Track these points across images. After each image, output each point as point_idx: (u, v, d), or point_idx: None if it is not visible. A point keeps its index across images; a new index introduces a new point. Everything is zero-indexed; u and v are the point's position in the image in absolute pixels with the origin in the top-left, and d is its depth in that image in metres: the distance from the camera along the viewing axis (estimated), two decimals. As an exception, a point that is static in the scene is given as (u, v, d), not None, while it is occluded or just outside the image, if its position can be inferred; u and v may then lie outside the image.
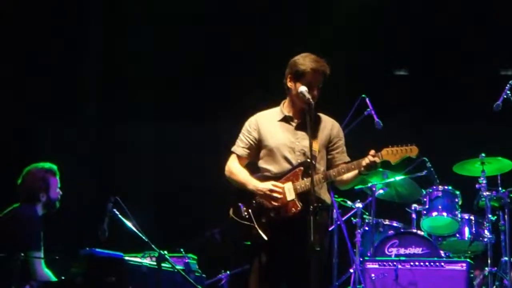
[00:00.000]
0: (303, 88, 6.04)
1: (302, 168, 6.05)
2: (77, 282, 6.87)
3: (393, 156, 5.97)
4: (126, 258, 7.21)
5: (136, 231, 7.17)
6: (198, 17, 10.60)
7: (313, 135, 5.99)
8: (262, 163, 6.26)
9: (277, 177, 6.11)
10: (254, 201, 6.11)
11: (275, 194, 6.02)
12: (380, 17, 10.39)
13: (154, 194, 10.88)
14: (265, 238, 6.01)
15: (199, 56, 10.72)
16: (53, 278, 7.25)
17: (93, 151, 10.98)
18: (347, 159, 6.24)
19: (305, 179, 6.01)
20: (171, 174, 10.93)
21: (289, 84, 6.20)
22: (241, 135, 6.36)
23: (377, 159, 5.92)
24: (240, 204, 6.15)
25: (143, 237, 7.16)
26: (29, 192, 7.43)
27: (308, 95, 5.99)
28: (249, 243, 6.13)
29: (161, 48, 10.69)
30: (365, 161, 5.93)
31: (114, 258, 7.08)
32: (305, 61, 6.14)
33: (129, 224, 7.19)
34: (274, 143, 6.19)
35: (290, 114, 6.25)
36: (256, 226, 6.05)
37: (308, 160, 5.94)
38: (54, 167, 7.59)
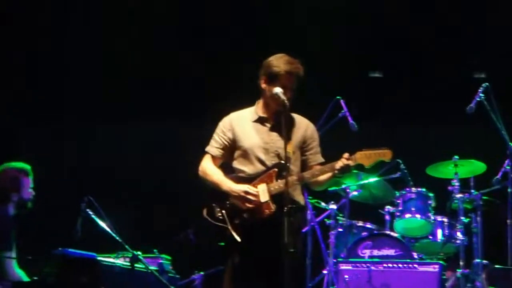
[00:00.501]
0: (278, 90, 6.03)
1: (276, 169, 6.04)
2: (50, 282, 6.85)
3: (367, 160, 5.98)
4: (99, 258, 7.19)
5: (110, 231, 7.15)
6: (176, 16, 10.60)
7: (287, 136, 5.99)
8: (236, 164, 6.25)
9: (251, 178, 6.10)
10: (228, 202, 6.10)
11: (249, 196, 6.01)
12: (355, 19, 10.41)
13: (129, 194, 10.85)
14: (238, 239, 6.01)
15: (177, 56, 10.71)
16: (25, 278, 7.23)
17: (67, 151, 10.93)
18: (322, 160, 6.25)
19: (279, 180, 6.01)
20: (145, 175, 10.91)
21: (263, 85, 6.19)
22: (215, 135, 6.34)
23: (351, 162, 5.93)
24: (214, 205, 6.15)
25: (117, 238, 7.14)
26: (1, 192, 7.38)
27: (283, 97, 5.98)
28: (223, 244, 6.13)
29: (140, 48, 10.65)
30: (339, 164, 5.94)
31: (87, 259, 7.06)
32: (279, 62, 6.12)
33: (102, 224, 7.17)
34: (248, 144, 6.19)
35: (265, 115, 6.25)
36: (230, 227, 6.05)
37: (282, 162, 5.95)
38: (28, 167, 7.56)
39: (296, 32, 10.27)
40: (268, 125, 6.22)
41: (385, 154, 6.00)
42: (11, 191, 7.40)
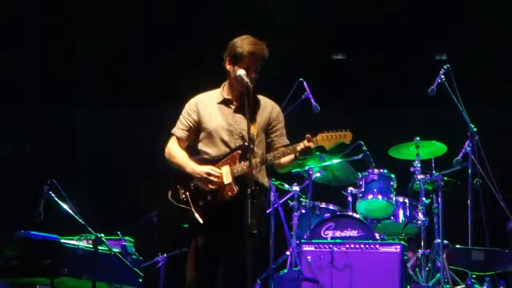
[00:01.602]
0: (241, 72, 6.03)
1: (239, 151, 6.05)
2: (12, 264, 6.81)
3: (328, 142, 5.99)
4: (62, 240, 7.16)
5: (73, 213, 7.13)
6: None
7: (251, 118, 5.99)
8: (201, 146, 6.25)
9: (215, 160, 6.11)
10: (192, 184, 6.11)
11: (212, 178, 6.02)
12: (320, 0, 10.43)
13: (91, 177, 10.80)
14: (201, 221, 6.02)
15: (134, 38, 10.67)
16: (-13, 261, 7.18)
17: (29, 134, 10.85)
18: (287, 142, 6.26)
19: (242, 162, 6.02)
20: (108, 157, 10.86)
21: (228, 67, 6.19)
22: (181, 117, 6.34)
23: (311, 145, 5.95)
24: (178, 186, 6.15)
25: (80, 220, 7.12)
26: None
27: (246, 79, 5.99)
28: (186, 225, 6.14)
29: (95, 29, 10.59)
30: (300, 146, 5.96)
31: (50, 241, 7.04)
32: (243, 44, 6.12)
33: (65, 206, 7.14)
34: (213, 126, 6.19)
35: (229, 97, 6.24)
36: (193, 209, 6.05)
37: (246, 144, 5.97)
38: None
39: (259, 12, 10.26)
40: (233, 107, 6.22)
41: (346, 136, 6.02)
42: None
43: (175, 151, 6.25)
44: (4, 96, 10.67)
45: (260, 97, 6.30)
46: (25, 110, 10.95)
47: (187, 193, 6.11)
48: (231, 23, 9.73)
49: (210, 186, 6.05)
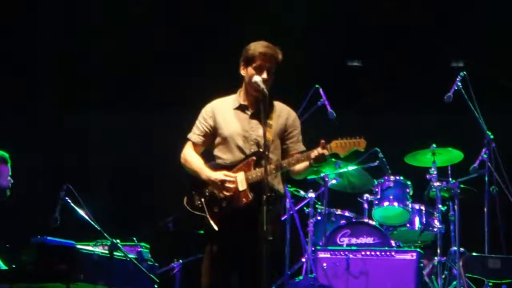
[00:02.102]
0: (257, 78, 6.03)
1: (254, 158, 6.04)
2: (28, 270, 6.82)
3: (342, 149, 5.97)
4: (78, 246, 7.17)
5: (89, 219, 7.14)
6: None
7: (267, 124, 6.00)
8: (216, 151, 6.25)
9: (230, 166, 6.10)
10: (207, 191, 6.11)
11: (226, 184, 6.02)
12: (336, 7, 10.42)
13: (108, 182, 10.83)
14: (216, 228, 6.01)
15: (153, 45, 10.69)
16: (3, 266, 7.20)
17: (46, 139, 10.88)
18: (302, 148, 6.24)
19: (257, 169, 6.01)
20: (125, 162, 10.88)
21: (242, 72, 6.19)
22: (197, 122, 6.34)
23: (325, 152, 5.92)
24: (193, 193, 6.15)
25: (96, 226, 7.13)
26: None
27: (262, 85, 5.98)
28: (202, 232, 6.14)
29: (112, 37, 10.62)
30: (314, 153, 5.94)
31: (66, 247, 7.03)
32: (255, 46, 6.13)
33: (81, 212, 7.16)
34: (228, 132, 6.18)
35: (245, 103, 6.24)
36: (208, 216, 6.05)
37: (261, 150, 5.96)
38: (6, 154, 7.53)
39: (276, 19, 10.26)
40: (249, 112, 6.21)
41: (360, 143, 6.00)
42: None
43: (190, 156, 6.25)
44: (21, 99, 10.72)
45: (276, 103, 6.29)
46: (39, 113, 10.98)
47: (202, 200, 6.10)
48: (246, 29, 9.74)
49: (224, 193, 6.04)
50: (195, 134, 6.31)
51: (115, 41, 10.50)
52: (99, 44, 10.58)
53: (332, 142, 5.96)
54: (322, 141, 5.94)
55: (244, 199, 6.00)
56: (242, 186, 6.02)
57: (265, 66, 6.08)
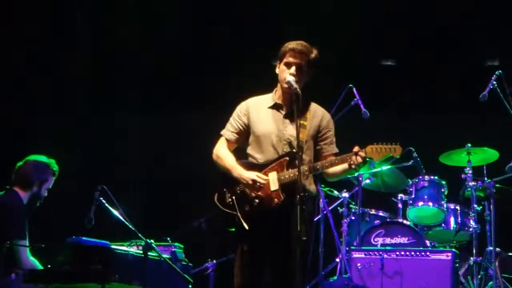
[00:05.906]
0: (290, 78, 6.02)
1: (287, 158, 6.03)
2: (63, 270, 6.87)
3: (377, 154, 5.93)
4: (113, 246, 7.20)
5: (123, 219, 7.17)
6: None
7: (301, 124, 5.98)
8: (249, 150, 6.25)
9: (263, 165, 6.09)
10: (238, 188, 6.10)
11: (258, 185, 6.00)
12: (369, 7, 10.39)
13: (141, 183, 10.87)
14: (247, 227, 6.01)
15: (189, 45, 10.73)
16: (39, 266, 7.26)
17: (81, 139, 10.95)
18: (336, 150, 6.22)
19: (290, 169, 5.99)
20: (158, 163, 10.92)
21: (277, 69, 6.20)
22: (231, 119, 6.34)
23: (362, 155, 5.87)
24: (224, 190, 6.14)
25: (130, 226, 7.16)
26: (26, 178, 7.46)
27: (295, 85, 5.96)
28: (233, 229, 6.13)
29: (150, 36, 10.68)
30: (352, 159, 5.85)
31: (101, 247, 7.06)
32: (288, 43, 6.16)
33: (115, 212, 7.19)
34: (262, 131, 6.18)
35: (280, 102, 6.23)
36: (239, 214, 6.04)
37: (294, 150, 5.95)
38: (57, 168, 7.65)
39: (310, 19, 10.25)
40: (283, 112, 6.20)
41: (395, 150, 5.96)
42: (35, 182, 7.47)
43: (223, 153, 6.25)
44: (56, 98, 10.81)
45: (312, 104, 6.27)
46: (77, 115, 11.05)
47: (233, 197, 6.09)
48: (283, 29, 9.76)
49: (256, 192, 6.04)
50: (229, 131, 6.31)
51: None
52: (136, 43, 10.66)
53: (367, 146, 5.92)
54: (356, 146, 5.89)
55: (276, 199, 5.99)
56: (274, 186, 6.01)
57: (294, 62, 6.07)
